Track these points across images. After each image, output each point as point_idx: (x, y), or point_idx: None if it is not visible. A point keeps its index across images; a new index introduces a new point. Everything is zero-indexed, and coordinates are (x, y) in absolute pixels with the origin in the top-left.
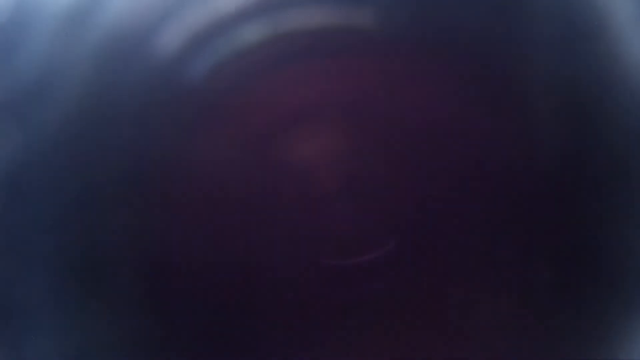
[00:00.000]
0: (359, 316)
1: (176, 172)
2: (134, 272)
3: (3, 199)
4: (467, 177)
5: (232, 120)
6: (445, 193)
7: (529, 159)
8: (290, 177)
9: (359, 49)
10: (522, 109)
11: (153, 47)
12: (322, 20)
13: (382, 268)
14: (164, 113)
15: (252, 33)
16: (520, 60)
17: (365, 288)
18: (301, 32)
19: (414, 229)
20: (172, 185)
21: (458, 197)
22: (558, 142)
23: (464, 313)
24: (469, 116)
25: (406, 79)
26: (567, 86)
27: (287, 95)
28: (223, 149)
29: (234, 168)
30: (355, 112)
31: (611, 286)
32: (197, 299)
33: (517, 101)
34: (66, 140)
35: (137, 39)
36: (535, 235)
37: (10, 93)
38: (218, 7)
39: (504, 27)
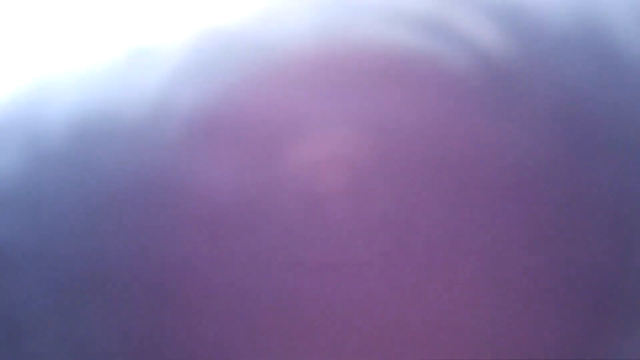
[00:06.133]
0: (358, 316)
1: (178, 183)
2: (135, 276)
3: (6, 206)
4: (467, 180)
5: (230, 133)
6: (444, 194)
7: (530, 161)
8: (289, 180)
9: (356, 60)
10: (522, 111)
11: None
12: (324, 30)
13: (381, 268)
14: (164, 129)
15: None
16: (523, 64)
17: (365, 288)
18: (303, 48)
19: (412, 230)
20: (173, 194)
21: (458, 199)
22: (559, 144)
23: (462, 313)
24: (468, 120)
25: (404, 85)
26: (571, 92)
27: (288, 107)
28: (222, 156)
29: (232, 175)
30: (354, 119)
31: (611, 286)
32: (196, 300)
33: (517, 104)
34: (69, 153)
35: (140, 54)
36: (534, 236)
37: (14, 107)
38: (220, 23)
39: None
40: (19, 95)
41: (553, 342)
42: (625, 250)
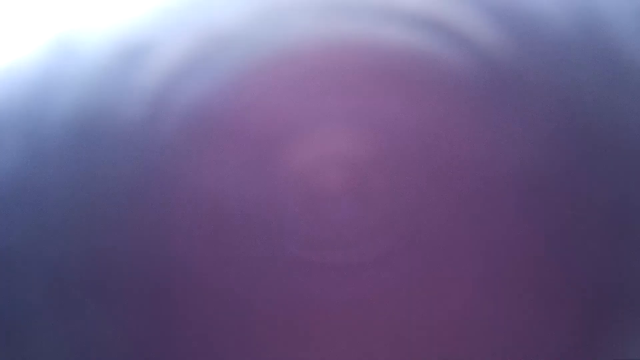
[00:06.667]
0: (357, 316)
1: (177, 182)
2: (134, 275)
3: (4, 205)
4: (467, 180)
5: (230, 132)
6: (444, 195)
7: (530, 162)
8: (288, 180)
9: (356, 60)
10: (523, 111)
11: (153, 60)
12: (324, 34)
13: (380, 269)
14: (163, 128)
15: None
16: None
17: (366, 288)
18: (301, 47)
19: (413, 230)
20: (173, 193)
21: (458, 200)
22: (559, 144)
23: (463, 314)
24: (467, 120)
25: (402, 84)
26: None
27: (288, 108)
28: (221, 155)
29: (231, 174)
30: (354, 119)
31: (611, 288)
32: (196, 301)
33: (518, 104)
34: (67, 152)
35: (136, 53)
36: (535, 237)
37: (11, 105)
38: (217, 23)
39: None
40: (16, 94)
41: (554, 343)
42: (626, 252)
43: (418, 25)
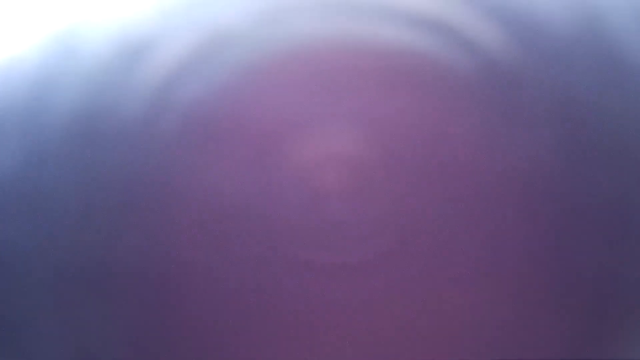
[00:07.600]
0: (356, 316)
1: (177, 181)
2: (134, 275)
3: (4, 205)
4: (468, 181)
5: (230, 131)
6: (444, 195)
7: (531, 162)
8: (288, 179)
9: (357, 60)
10: (524, 113)
11: (155, 60)
12: (323, 32)
13: (379, 268)
14: (163, 127)
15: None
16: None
17: (364, 288)
18: (300, 46)
19: (413, 231)
20: (173, 192)
21: (458, 200)
22: (560, 145)
23: (462, 314)
24: (469, 121)
25: (400, 83)
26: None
27: (287, 107)
28: (221, 154)
29: (230, 173)
30: (355, 119)
31: (610, 286)
32: (195, 301)
33: (519, 105)
34: (67, 151)
35: (137, 50)
36: (535, 237)
37: (11, 104)
38: (218, 22)
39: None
40: (16, 91)
41: (553, 343)
42: (625, 252)
43: (420, 25)
